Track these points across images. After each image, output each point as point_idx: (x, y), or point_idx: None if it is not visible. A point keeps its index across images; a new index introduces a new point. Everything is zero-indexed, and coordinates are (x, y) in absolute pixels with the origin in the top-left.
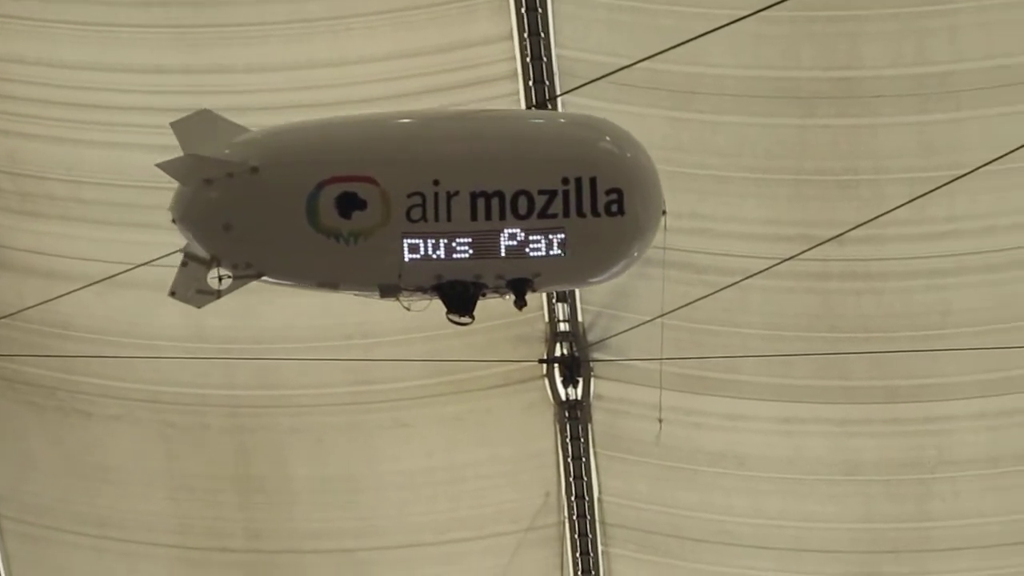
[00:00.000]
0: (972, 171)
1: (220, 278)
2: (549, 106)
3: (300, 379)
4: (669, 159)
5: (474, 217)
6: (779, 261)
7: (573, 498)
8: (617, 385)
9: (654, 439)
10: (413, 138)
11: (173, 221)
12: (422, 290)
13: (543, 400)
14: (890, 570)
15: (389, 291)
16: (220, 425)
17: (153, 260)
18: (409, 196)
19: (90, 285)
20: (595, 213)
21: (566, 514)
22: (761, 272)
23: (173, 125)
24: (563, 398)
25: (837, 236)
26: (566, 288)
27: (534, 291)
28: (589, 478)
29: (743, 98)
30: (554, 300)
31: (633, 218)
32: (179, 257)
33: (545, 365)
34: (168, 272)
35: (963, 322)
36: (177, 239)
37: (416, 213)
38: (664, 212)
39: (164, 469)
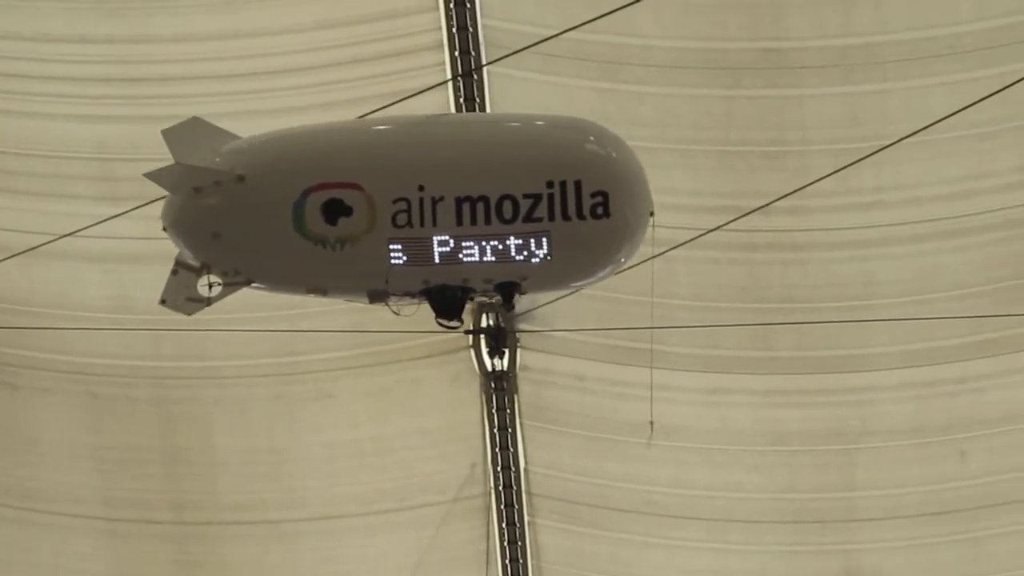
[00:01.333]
0: (897, 142)
1: (210, 285)
2: (475, 76)
3: (226, 350)
4: None
5: (459, 222)
6: (705, 232)
7: (499, 469)
8: (543, 356)
9: (579, 409)
10: (398, 144)
11: (164, 229)
12: (410, 295)
13: (469, 371)
14: (815, 540)
15: (377, 296)
16: (146, 396)
17: (78, 231)
18: (395, 202)
19: (12, 256)
20: (580, 216)
21: (492, 485)
22: (687, 243)
23: (164, 133)
24: (489, 369)
25: (763, 207)
26: (556, 290)
27: (522, 294)
28: (515, 449)
29: (670, 69)
30: None
31: (619, 220)
32: (106, 228)
33: (471, 336)
34: (93, 242)
35: (887, 293)
36: (98, 209)
37: (402, 219)
38: (652, 213)
39: (89, 441)
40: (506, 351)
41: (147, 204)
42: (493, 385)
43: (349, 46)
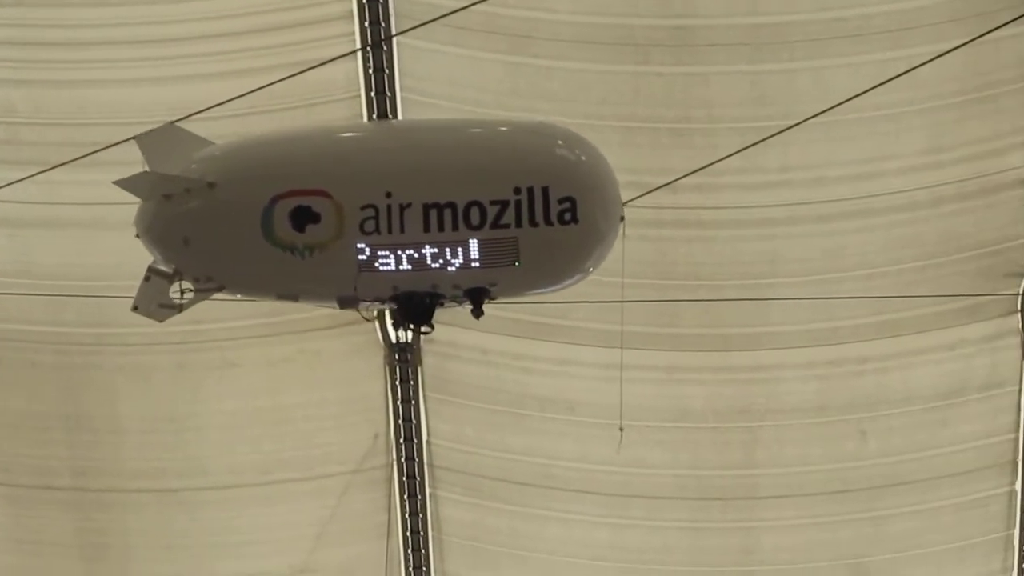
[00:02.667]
0: (803, 121)
1: (182, 292)
2: (385, 47)
3: (130, 318)
4: (503, 104)
5: (427, 228)
6: None
7: (402, 440)
8: (447, 329)
9: (483, 382)
10: (366, 151)
11: (137, 236)
12: (380, 300)
13: (373, 343)
14: (717, 517)
15: (347, 302)
16: (49, 362)
17: None
18: (362, 208)
19: None
20: (548, 222)
21: (394, 456)
22: None
23: (138, 139)
24: (393, 341)
25: (669, 183)
26: (526, 295)
27: (491, 300)
28: (418, 421)
29: (579, 44)
30: None
31: (587, 226)
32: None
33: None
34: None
35: (793, 272)
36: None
37: (369, 225)
38: (623, 218)
39: None
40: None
41: (50, 169)
42: (397, 357)
43: (258, 14)
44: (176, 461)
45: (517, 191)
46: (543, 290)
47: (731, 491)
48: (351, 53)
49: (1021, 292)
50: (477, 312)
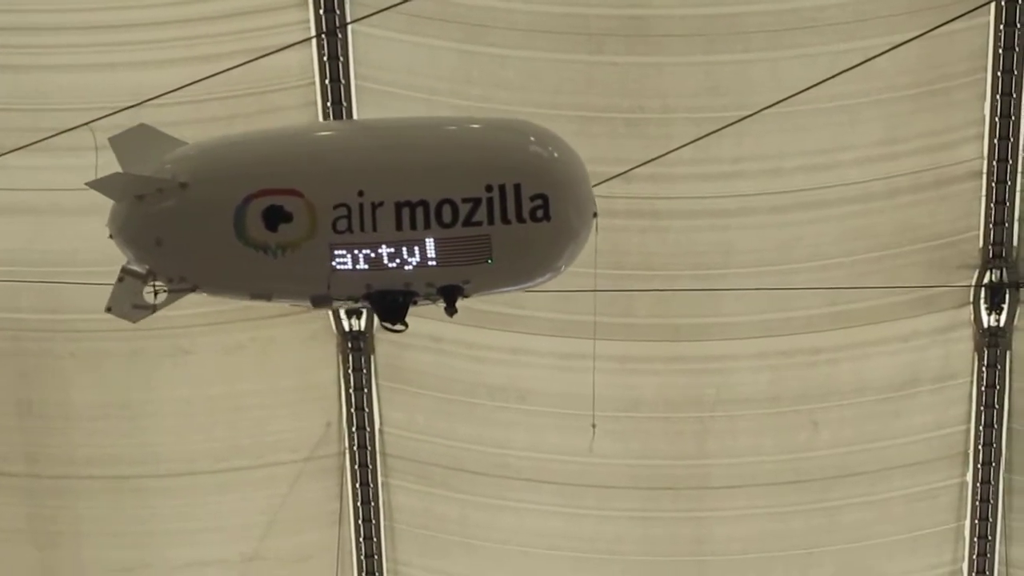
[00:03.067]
0: (758, 112)
1: (156, 292)
2: (339, 35)
3: (84, 304)
4: (458, 92)
5: (399, 227)
6: None
7: (354, 429)
8: None
9: (436, 371)
10: (337, 150)
11: (110, 236)
12: (354, 299)
13: (326, 331)
14: (669, 507)
15: (321, 301)
16: (2, 348)
17: None
18: (335, 208)
19: None
20: (520, 219)
21: (346, 445)
22: None
23: (111, 140)
24: (347, 329)
25: (623, 173)
26: (500, 292)
27: (465, 297)
28: (370, 409)
29: (533, 33)
30: None
31: (560, 223)
32: None
33: None
34: None
35: (746, 262)
36: None
37: (342, 224)
38: (595, 215)
39: None
40: (363, 311)
41: (5, 154)
42: (350, 345)
43: (214, 1)
44: (129, 448)
45: (489, 189)
46: (516, 287)
47: (683, 481)
48: (306, 40)
49: (974, 284)
50: (451, 310)
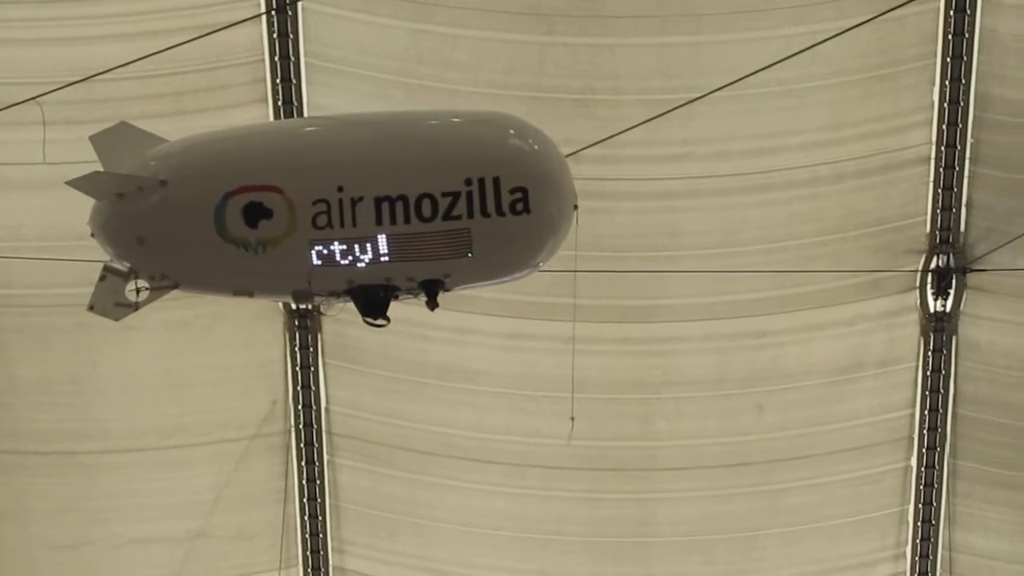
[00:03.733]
0: (707, 94)
1: (138, 290)
2: (289, 12)
3: (28, 279)
4: (408, 71)
5: (379, 221)
6: None
7: (300, 407)
8: None
9: (382, 350)
10: (317, 146)
11: (92, 235)
12: (335, 295)
13: (273, 308)
14: (613, 488)
15: (302, 297)
16: None
17: None
18: (314, 203)
19: None
20: (500, 213)
21: (292, 423)
22: None
23: (92, 139)
24: (293, 307)
25: (572, 154)
26: (482, 285)
27: (447, 291)
28: (317, 387)
29: (484, 13)
30: None
31: (540, 216)
32: None
33: None
34: None
35: (693, 245)
36: None
37: (322, 220)
38: (576, 207)
39: None
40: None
41: None
42: (297, 323)
43: None
44: (75, 424)
45: (468, 182)
46: (498, 280)
47: (628, 462)
48: (255, 17)
49: (921, 269)
50: (432, 304)
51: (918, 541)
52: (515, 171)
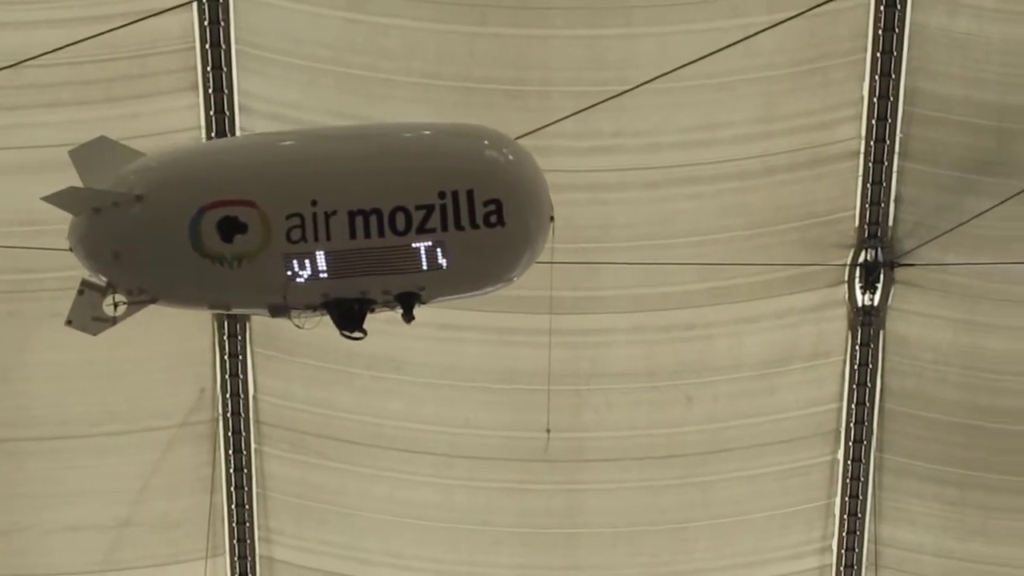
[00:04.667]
0: (638, 86)
1: (115, 304)
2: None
3: None
4: (339, 60)
5: (353, 235)
6: None
7: (228, 395)
8: None
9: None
10: (291, 160)
11: (70, 249)
12: (311, 308)
13: None
14: (542, 479)
15: (278, 311)
16: None
17: None
18: (288, 217)
19: None
20: (474, 225)
21: (220, 411)
22: None
23: (71, 153)
24: None
25: None
26: (459, 297)
27: (423, 303)
28: (245, 376)
29: (416, 2)
30: None
31: (515, 228)
32: None
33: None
34: None
35: (624, 237)
36: None
37: (296, 234)
38: (552, 219)
39: None
40: None
41: None
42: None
43: None
44: (3, 411)
45: (442, 195)
46: (474, 293)
47: (557, 453)
48: (186, 4)
49: (849, 263)
50: (408, 316)
51: (844, 534)
52: (488, 183)
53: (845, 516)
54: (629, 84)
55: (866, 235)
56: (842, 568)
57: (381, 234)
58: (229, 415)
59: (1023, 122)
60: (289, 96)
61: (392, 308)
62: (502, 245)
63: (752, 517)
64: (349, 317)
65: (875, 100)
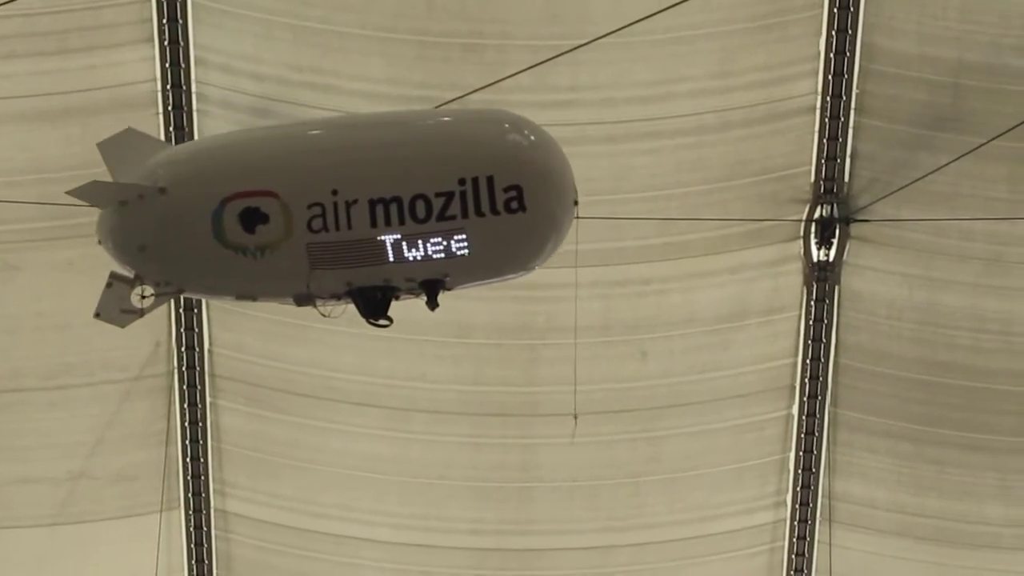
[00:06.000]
0: (593, 41)
1: (143, 296)
2: None
3: None
4: (296, 12)
5: (374, 224)
6: None
7: (183, 349)
8: None
9: None
10: (311, 150)
11: (99, 242)
12: (336, 297)
13: None
14: (497, 433)
15: (303, 300)
16: None
17: None
18: (309, 207)
19: None
20: (495, 211)
21: (175, 365)
22: None
23: (99, 145)
24: None
25: (458, 98)
26: (484, 284)
27: (447, 290)
28: (200, 329)
29: None
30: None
31: (536, 213)
32: None
33: None
34: None
35: (580, 191)
36: None
37: (317, 223)
38: (576, 203)
39: None
40: None
41: None
42: None
43: None
44: None
45: (462, 182)
46: (499, 279)
47: (512, 408)
48: None
49: (805, 218)
50: (432, 304)
51: (798, 489)
52: (509, 169)
53: (799, 471)
54: (586, 38)
55: (822, 191)
56: (796, 523)
57: (402, 222)
58: (184, 368)
59: (979, 79)
60: (244, 49)
61: (416, 295)
62: (525, 231)
63: (706, 472)
64: (374, 305)
65: (832, 56)
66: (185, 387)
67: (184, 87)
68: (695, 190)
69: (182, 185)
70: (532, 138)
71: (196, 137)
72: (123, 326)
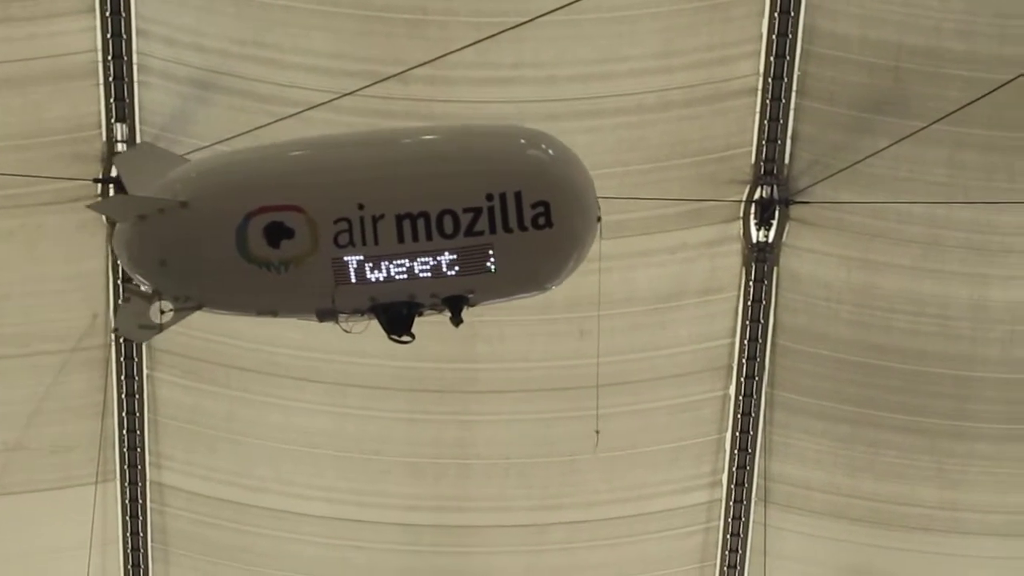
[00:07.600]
0: (537, 17)
1: (162, 312)
2: None
3: None
4: None
5: (401, 239)
6: (341, 95)
7: None
8: None
9: None
10: (337, 165)
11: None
12: (359, 312)
13: (96, 221)
14: (434, 409)
15: (326, 315)
16: None
17: None
18: (336, 222)
19: None
20: (522, 228)
21: (112, 336)
22: (323, 104)
23: (116, 159)
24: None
25: (400, 74)
26: (508, 300)
27: (471, 306)
28: None
29: None
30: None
31: (563, 229)
32: None
33: (100, 185)
34: None
35: None
36: None
37: (343, 238)
38: (599, 219)
39: None
40: None
41: None
42: None
43: None
44: None
45: (490, 198)
46: (523, 295)
47: (449, 384)
48: None
49: (744, 199)
50: (456, 320)
51: (734, 469)
52: (536, 185)
53: (735, 451)
54: (529, 16)
55: (762, 172)
56: (731, 503)
57: (429, 238)
58: (121, 340)
59: (920, 62)
60: (187, 21)
61: (440, 311)
62: (551, 246)
63: (643, 450)
64: (398, 321)
65: (774, 37)
66: (123, 359)
67: (125, 58)
68: (635, 169)
69: (204, 199)
70: (558, 154)
71: (136, 109)
72: (142, 341)
